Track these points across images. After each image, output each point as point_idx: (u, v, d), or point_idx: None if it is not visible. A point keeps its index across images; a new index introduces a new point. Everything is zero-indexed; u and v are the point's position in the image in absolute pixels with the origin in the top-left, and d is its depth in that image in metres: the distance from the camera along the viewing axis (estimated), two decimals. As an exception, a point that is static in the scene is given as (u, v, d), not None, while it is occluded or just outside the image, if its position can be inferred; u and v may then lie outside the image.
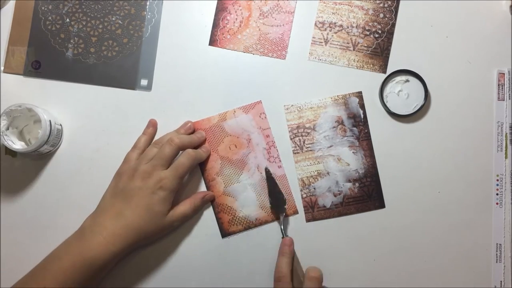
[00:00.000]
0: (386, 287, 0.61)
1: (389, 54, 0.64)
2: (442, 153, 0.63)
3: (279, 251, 0.59)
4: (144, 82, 0.64)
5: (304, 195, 0.62)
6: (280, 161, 0.63)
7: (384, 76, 0.63)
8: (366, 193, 0.62)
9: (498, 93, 0.64)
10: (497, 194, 0.63)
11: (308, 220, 0.62)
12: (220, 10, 0.65)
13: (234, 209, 0.62)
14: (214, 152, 0.63)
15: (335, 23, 0.64)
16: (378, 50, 0.64)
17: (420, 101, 0.63)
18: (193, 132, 0.63)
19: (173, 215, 0.58)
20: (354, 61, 0.64)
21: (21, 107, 0.58)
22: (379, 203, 0.62)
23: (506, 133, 0.63)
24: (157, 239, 0.60)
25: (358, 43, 0.64)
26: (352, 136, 0.63)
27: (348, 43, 0.64)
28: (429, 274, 0.62)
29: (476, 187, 0.63)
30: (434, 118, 0.63)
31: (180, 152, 0.60)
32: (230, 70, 0.64)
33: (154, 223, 0.57)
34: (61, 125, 0.62)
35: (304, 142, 0.63)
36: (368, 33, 0.64)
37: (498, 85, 0.64)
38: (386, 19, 0.64)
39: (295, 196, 0.62)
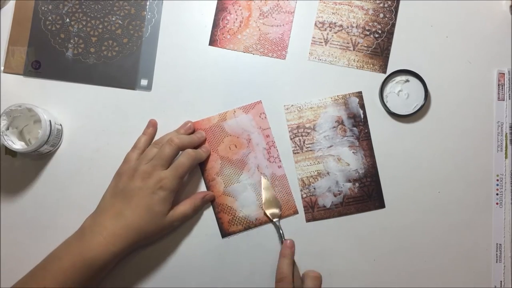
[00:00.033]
0: (386, 287, 0.61)
1: (389, 54, 0.64)
2: (442, 153, 0.63)
3: (280, 253, 0.59)
4: (144, 82, 0.64)
5: (304, 195, 0.62)
6: (280, 161, 0.63)
7: (384, 76, 0.63)
8: (366, 193, 0.62)
9: (498, 93, 0.64)
10: (497, 194, 0.63)
11: (308, 220, 0.62)
12: (220, 10, 0.65)
13: (234, 209, 0.62)
14: (214, 152, 0.63)
15: (335, 23, 0.64)
16: (378, 50, 0.64)
17: (420, 101, 0.63)
18: (193, 132, 0.63)
19: (173, 215, 0.58)
20: (354, 61, 0.64)
21: (21, 107, 0.58)
22: (379, 203, 0.62)
23: (506, 133, 0.63)
24: (157, 239, 0.60)
25: (358, 43, 0.64)
26: (352, 136, 0.63)
27: (348, 43, 0.64)
28: (429, 274, 0.62)
29: (476, 187, 0.63)
30: (434, 118, 0.63)
31: (180, 152, 0.60)
32: (230, 70, 0.64)
33: (154, 223, 0.57)
34: (61, 125, 0.62)
35: (304, 142, 0.63)
36: (368, 33, 0.64)
37: (498, 85, 0.64)
38: (386, 19, 0.64)
39: (295, 196, 0.62)
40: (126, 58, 0.64)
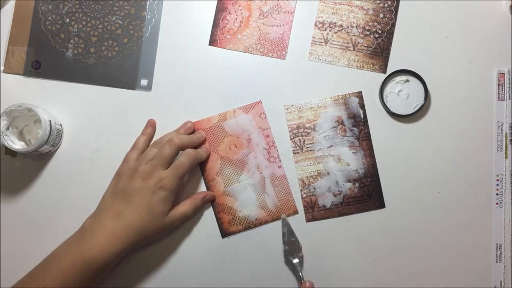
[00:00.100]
0: (386, 287, 0.61)
1: (389, 54, 0.64)
2: (442, 153, 0.63)
3: None
4: (144, 82, 0.64)
5: (304, 195, 0.62)
6: (280, 161, 0.63)
7: (384, 76, 0.63)
8: (366, 193, 0.62)
9: (498, 93, 0.64)
10: (497, 194, 0.63)
11: (308, 220, 0.62)
12: (220, 10, 0.65)
13: (234, 209, 0.62)
14: (214, 152, 0.63)
15: (335, 23, 0.64)
16: (378, 50, 0.64)
17: (420, 101, 0.63)
18: (193, 132, 0.63)
19: (173, 215, 0.58)
20: (354, 61, 0.64)
21: (21, 107, 0.58)
22: (379, 203, 0.62)
23: (506, 133, 0.63)
24: (157, 239, 0.60)
25: (358, 43, 0.64)
26: (352, 136, 0.63)
27: (348, 43, 0.64)
28: (429, 274, 0.62)
29: (476, 187, 0.63)
30: (434, 118, 0.63)
31: (180, 152, 0.60)
32: (230, 70, 0.64)
33: (155, 223, 0.57)
34: (61, 125, 0.62)
35: (304, 142, 0.63)
36: (368, 33, 0.64)
37: (498, 85, 0.64)
38: (386, 19, 0.64)
39: (295, 196, 0.62)
40: (126, 58, 0.64)
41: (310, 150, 0.63)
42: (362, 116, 0.63)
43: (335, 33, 0.64)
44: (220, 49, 0.64)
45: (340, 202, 0.62)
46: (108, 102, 0.63)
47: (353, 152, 0.63)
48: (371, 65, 0.64)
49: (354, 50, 0.64)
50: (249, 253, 0.61)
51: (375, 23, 0.64)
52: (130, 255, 0.60)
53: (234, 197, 0.62)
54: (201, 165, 0.63)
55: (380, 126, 0.63)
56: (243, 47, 0.64)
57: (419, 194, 0.62)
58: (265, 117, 0.63)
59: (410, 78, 0.63)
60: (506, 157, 0.63)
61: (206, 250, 0.62)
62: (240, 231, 0.62)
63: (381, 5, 0.64)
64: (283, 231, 0.61)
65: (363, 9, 0.64)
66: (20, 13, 0.64)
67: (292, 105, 0.63)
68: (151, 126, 0.63)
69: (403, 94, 0.63)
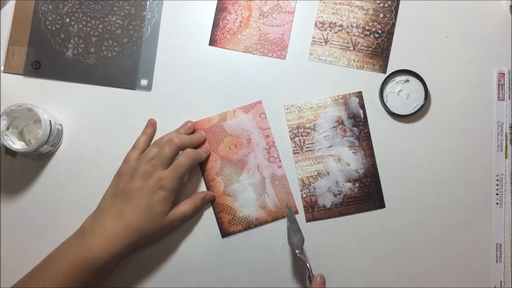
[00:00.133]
0: (386, 287, 0.61)
1: (389, 54, 0.64)
2: (442, 153, 0.63)
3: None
4: (144, 82, 0.64)
5: (304, 195, 0.62)
6: (280, 161, 0.63)
7: (384, 76, 0.63)
8: (366, 193, 0.62)
9: (498, 93, 0.64)
10: (497, 194, 0.63)
11: (308, 220, 0.62)
12: (220, 10, 0.65)
13: (234, 209, 0.62)
14: (214, 152, 0.63)
15: (335, 23, 0.64)
16: (378, 50, 0.64)
17: (420, 101, 0.63)
18: (193, 132, 0.63)
19: (173, 215, 0.58)
20: (354, 61, 0.64)
21: (21, 107, 0.58)
22: (379, 203, 0.62)
23: (506, 133, 0.63)
24: (157, 239, 0.60)
25: (358, 43, 0.64)
26: (352, 136, 0.63)
27: (348, 43, 0.64)
28: (429, 274, 0.62)
29: (476, 187, 0.63)
30: (434, 118, 0.63)
31: (180, 152, 0.60)
32: (230, 70, 0.64)
33: (155, 223, 0.57)
34: (61, 125, 0.62)
35: (304, 142, 0.63)
36: (368, 33, 0.64)
37: (498, 85, 0.64)
38: (386, 19, 0.64)
39: (295, 196, 0.62)
40: (126, 58, 0.64)
41: (310, 150, 0.63)
42: (362, 116, 0.63)
43: (335, 33, 0.64)
44: (220, 49, 0.64)
45: (340, 202, 0.62)
46: (108, 102, 0.63)
47: (353, 152, 0.63)
48: (371, 65, 0.64)
49: (354, 50, 0.64)
50: (249, 253, 0.61)
51: (375, 23, 0.64)
52: (130, 255, 0.60)
53: (234, 197, 0.62)
54: (201, 165, 0.63)
55: (380, 126, 0.63)
56: (243, 47, 0.64)
57: (419, 194, 0.62)
58: (265, 117, 0.63)
59: (410, 78, 0.63)
60: (506, 157, 0.63)
61: (206, 250, 0.62)
62: (240, 231, 0.62)
63: (381, 5, 0.64)
64: (288, 222, 0.59)
65: (363, 9, 0.64)
66: (20, 13, 0.64)
67: (292, 105, 0.63)
68: (152, 125, 0.63)
69: (403, 94, 0.63)
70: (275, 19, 0.64)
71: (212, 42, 0.64)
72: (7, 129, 0.59)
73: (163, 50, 0.64)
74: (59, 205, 0.62)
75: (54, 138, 0.60)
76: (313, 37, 0.64)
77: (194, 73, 0.64)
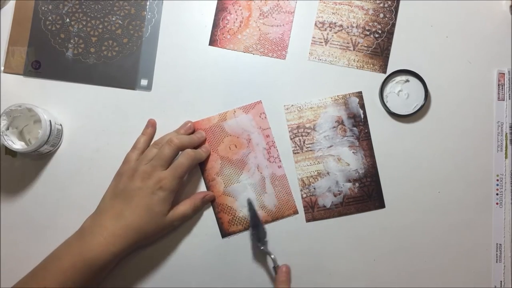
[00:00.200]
0: (386, 287, 0.61)
1: (389, 54, 0.64)
2: (442, 153, 0.63)
3: (277, 279, 0.58)
4: (144, 82, 0.64)
5: (304, 195, 0.62)
6: (280, 161, 0.63)
7: (384, 76, 0.63)
8: (366, 193, 0.62)
9: (498, 93, 0.64)
10: (497, 194, 0.63)
11: (308, 220, 0.62)
12: (220, 10, 0.65)
13: (234, 209, 0.62)
14: (214, 152, 0.63)
15: (335, 23, 0.64)
16: (378, 50, 0.64)
17: (420, 101, 0.63)
18: (193, 132, 0.63)
19: (173, 215, 0.58)
20: (354, 61, 0.64)
21: (21, 107, 0.58)
22: (379, 203, 0.62)
23: (506, 133, 0.63)
24: (157, 239, 0.60)
25: (358, 43, 0.64)
26: (352, 136, 0.63)
27: (348, 43, 0.64)
28: (429, 274, 0.62)
29: (476, 187, 0.63)
30: (434, 118, 0.63)
31: (180, 152, 0.60)
32: (230, 70, 0.64)
33: (154, 223, 0.57)
34: (61, 125, 0.62)
35: (304, 142, 0.63)
36: (368, 33, 0.64)
37: (498, 85, 0.64)
38: (386, 19, 0.64)
39: (295, 196, 0.62)
40: (126, 58, 0.64)
41: (310, 150, 0.63)
42: (362, 116, 0.63)
43: (335, 33, 0.64)
44: (220, 49, 0.64)
45: (340, 202, 0.62)
46: (108, 102, 0.63)
47: (353, 152, 0.63)
48: (371, 65, 0.64)
49: (354, 50, 0.64)
50: (249, 253, 0.61)
51: (375, 23, 0.64)
52: (130, 255, 0.60)
53: (234, 197, 0.62)
54: (201, 165, 0.63)
55: (380, 126, 0.63)
56: (243, 47, 0.64)
57: (419, 194, 0.62)
58: (265, 117, 0.63)
59: (410, 78, 0.63)
60: (506, 157, 0.63)
61: (206, 250, 0.62)
62: (240, 231, 0.62)
63: (381, 5, 0.64)
64: (250, 213, 0.61)
65: (363, 9, 0.64)
66: (20, 13, 0.64)
67: (292, 105, 0.63)
68: (152, 126, 0.63)
69: (403, 94, 0.63)
70: (275, 19, 0.64)
71: (212, 42, 0.64)
72: (7, 129, 0.59)
73: (163, 50, 0.64)
74: (59, 205, 0.62)
75: (54, 138, 0.60)
76: (313, 37, 0.64)
77: (194, 73, 0.64)
